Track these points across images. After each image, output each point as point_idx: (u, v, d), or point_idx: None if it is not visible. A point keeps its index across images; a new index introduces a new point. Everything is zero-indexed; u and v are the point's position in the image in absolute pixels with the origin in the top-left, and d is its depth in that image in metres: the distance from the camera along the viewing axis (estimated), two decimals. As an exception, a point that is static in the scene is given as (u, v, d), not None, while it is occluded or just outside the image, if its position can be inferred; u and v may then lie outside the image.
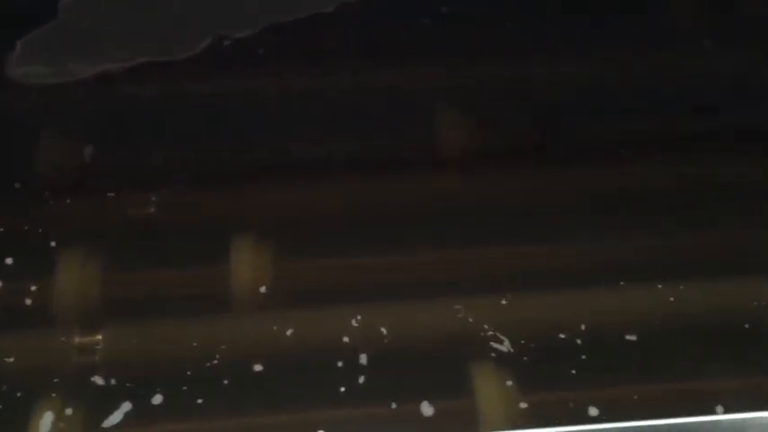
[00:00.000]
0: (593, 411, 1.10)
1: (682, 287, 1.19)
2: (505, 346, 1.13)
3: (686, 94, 1.38)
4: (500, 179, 1.33)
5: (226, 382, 1.10)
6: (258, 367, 1.11)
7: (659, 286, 1.19)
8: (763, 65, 1.41)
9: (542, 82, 1.42)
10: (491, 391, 1.11)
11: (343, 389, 1.10)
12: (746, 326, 1.16)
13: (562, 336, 1.15)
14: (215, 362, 1.12)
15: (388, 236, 1.25)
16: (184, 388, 1.10)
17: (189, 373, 1.11)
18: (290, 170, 1.33)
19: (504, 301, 1.17)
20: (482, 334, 1.15)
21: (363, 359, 1.13)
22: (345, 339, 1.14)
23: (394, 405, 1.09)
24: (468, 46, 1.46)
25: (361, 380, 1.11)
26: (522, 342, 1.14)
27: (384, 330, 1.15)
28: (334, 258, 1.24)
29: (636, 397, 1.11)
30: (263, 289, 1.19)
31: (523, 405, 1.10)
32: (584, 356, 1.14)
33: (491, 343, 1.14)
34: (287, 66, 1.44)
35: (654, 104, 1.38)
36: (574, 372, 1.13)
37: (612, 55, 1.44)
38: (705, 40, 1.46)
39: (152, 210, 1.26)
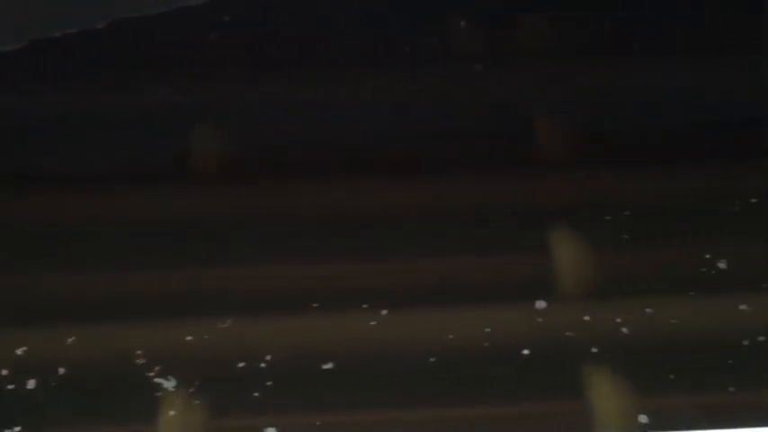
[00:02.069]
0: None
1: (385, 312, 1.14)
2: (171, 383, 1.09)
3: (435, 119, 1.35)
4: (244, 197, 1.29)
5: None
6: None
7: (364, 306, 1.14)
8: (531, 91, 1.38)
9: (314, 98, 1.38)
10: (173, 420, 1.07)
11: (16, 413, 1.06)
12: (433, 358, 1.11)
13: (242, 364, 1.10)
14: None
15: (118, 251, 1.21)
16: None
17: None
18: (39, 184, 1.30)
19: (188, 337, 1.13)
20: (154, 367, 1.10)
21: (32, 384, 1.09)
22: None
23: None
24: (242, 62, 1.43)
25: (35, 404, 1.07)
26: (201, 372, 1.10)
27: (60, 357, 1.11)
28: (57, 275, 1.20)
29: (318, 423, 1.06)
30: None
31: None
32: (269, 383, 1.09)
33: (157, 380, 1.09)
34: (47, 81, 1.41)
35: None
36: (257, 395, 1.08)
37: (382, 76, 1.40)
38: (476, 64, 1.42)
39: None
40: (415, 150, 1.32)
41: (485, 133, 1.34)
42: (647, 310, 1.15)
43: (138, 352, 1.11)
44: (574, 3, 1.47)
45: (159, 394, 1.08)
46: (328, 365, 1.11)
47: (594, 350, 1.12)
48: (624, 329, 1.14)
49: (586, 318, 1.15)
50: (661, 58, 1.42)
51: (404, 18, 1.47)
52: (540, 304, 1.15)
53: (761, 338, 1.14)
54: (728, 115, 1.36)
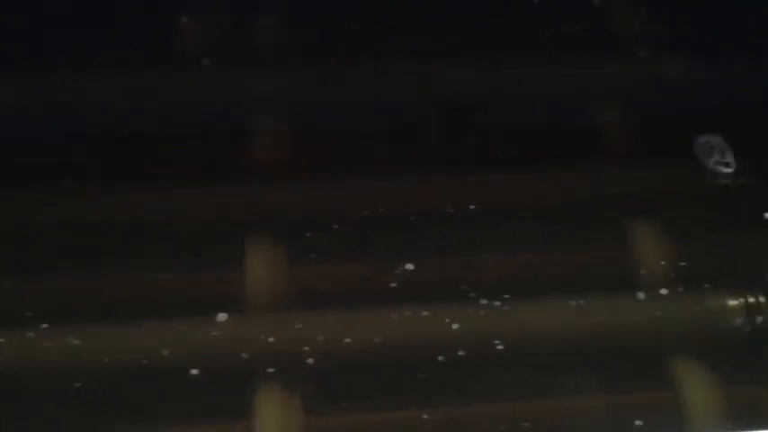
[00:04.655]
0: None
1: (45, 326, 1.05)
2: None
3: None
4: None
5: None
6: None
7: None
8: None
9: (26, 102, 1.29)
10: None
11: None
12: (79, 383, 1.03)
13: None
14: None
15: None
16: None
17: None
18: None
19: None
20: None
21: None
22: None
23: None
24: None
25: None
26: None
27: None
28: None
29: None
30: None
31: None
32: None
33: None
34: None
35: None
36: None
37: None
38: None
39: None
40: (111, 155, 1.23)
41: (196, 138, 1.26)
42: (337, 327, 1.07)
43: None
44: (308, 4, 1.39)
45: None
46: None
47: (271, 370, 1.04)
48: (307, 349, 1.06)
49: (269, 338, 1.06)
50: (401, 59, 1.34)
51: (129, 17, 1.38)
52: (221, 321, 1.07)
53: (461, 353, 1.06)
54: (449, 120, 1.29)
